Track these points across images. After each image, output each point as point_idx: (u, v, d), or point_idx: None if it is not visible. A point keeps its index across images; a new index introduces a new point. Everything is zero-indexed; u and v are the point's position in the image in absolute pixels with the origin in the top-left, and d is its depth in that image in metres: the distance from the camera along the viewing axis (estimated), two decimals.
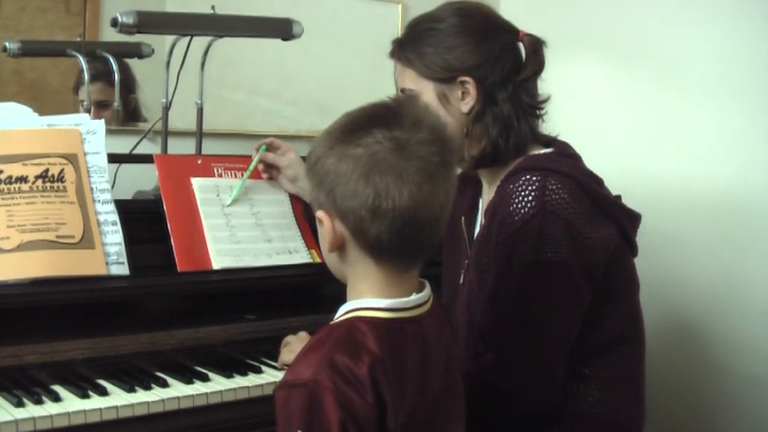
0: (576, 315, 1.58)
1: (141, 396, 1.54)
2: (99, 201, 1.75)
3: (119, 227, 1.75)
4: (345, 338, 1.17)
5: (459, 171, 1.53)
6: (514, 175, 1.60)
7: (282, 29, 2.15)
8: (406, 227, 1.18)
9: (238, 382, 1.66)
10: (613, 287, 1.62)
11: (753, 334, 2.37)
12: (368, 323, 1.19)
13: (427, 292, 1.29)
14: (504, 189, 1.59)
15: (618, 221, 1.63)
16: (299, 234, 2.00)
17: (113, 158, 1.86)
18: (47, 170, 1.72)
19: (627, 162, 2.57)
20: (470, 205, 1.81)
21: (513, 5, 2.81)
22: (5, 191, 1.67)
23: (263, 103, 2.56)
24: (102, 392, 1.53)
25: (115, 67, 2.08)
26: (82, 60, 2.03)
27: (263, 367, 1.74)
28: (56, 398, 1.49)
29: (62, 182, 1.72)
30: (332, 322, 1.24)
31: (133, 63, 2.27)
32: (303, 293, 1.95)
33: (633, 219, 1.68)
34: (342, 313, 1.24)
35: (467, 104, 1.66)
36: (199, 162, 1.97)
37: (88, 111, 2.03)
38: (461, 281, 1.73)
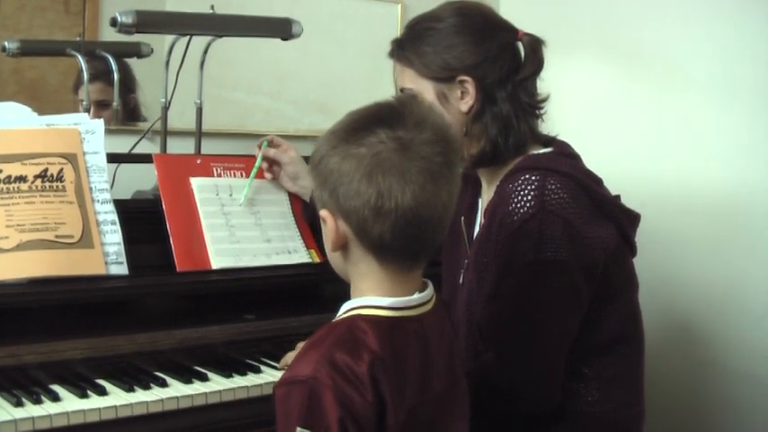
0: (575, 314, 1.58)
1: (140, 396, 1.54)
2: (98, 200, 1.75)
3: (118, 226, 1.75)
4: (346, 336, 1.17)
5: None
6: (514, 174, 1.60)
7: (282, 28, 2.15)
8: (408, 227, 1.18)
9: (237, 381, 1.66)
10: (612, 287, 1.62)
11: (752, 334, 2.36)
12: (369, 321, 1.19)
13: (430, 291, 1.29)
14: (504, 188, 1.59)
15: (617, 221, 1.63)
16: (299, 234, 2.00)
17: (112, 158, 1.86)
18: (46, 170, 1.72)
19: (626, 162, 2.56)
20: (470, 205, 1.81)
21: (512, 5, 2.81)
22: (4, 190, 1.67)
23: (263, 102, 2.56)
24: (101, 392, 1.53)
25: (114, 66, 2.09)
26: (81, 60, 2.03)
27: (263, 367, 1.74)
28: (55, 397, 1.49)
29: (61, 181, 1.72)
30: (333, 320, 1.24)
31: (132, 63, 2.27)
32: (302, 293, 1.95)
33: (632, 219, 1.68)
34: (343, 311, 1.23)
35: (466, 104, 1.66)
36: (198, 162, 1.97)
37: (87, 110, 2.03)
38: (461, 280, 1.73)
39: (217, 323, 1.79)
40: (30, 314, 1.60)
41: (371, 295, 1.23)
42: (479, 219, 1.76)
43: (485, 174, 1.76)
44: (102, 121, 1.83)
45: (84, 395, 1.51)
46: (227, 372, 1.68)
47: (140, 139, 2.18)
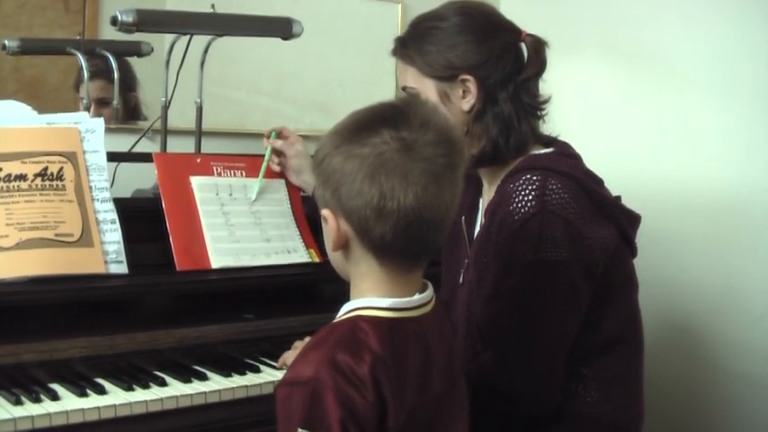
0: (575, 315, 1.58)
1: (139, 395, 1.54)
2: (98, 199, 1.75)
3: (117, 225, 1.74)
4: (347, 337, 1.17)
5: None
6: (515, 174, 1.60)
7: (282, 28, 2.15)
8: (410, 227, 1.18)
9: (237, 381, 1.66)
10: (612, 288, 1.62)
11: (751, 335, 2.37)
12: (370, 322, 1.19)
13: (430, 292, 1.29)
14: (505, 188, 1.59)
15: (617, 222, 1.63)
16: (298, 233, 2.00)
17: (112, 157, 1.86)
18: (46, 168, 1.71)
19: (627, 162, 2.56)
20: (471, 205, 1.81)
21: (512, 5, 2.80)
22: (4, 189, 1.67)
23: (263, 101, 2.55)
24: (101, 391, 1.53)
25: (115, 65, 2.08)
26: (81, 59, 2.03)
27: (262, 366, 1.73)
28: (54, 396, 1.49)
29: (61, 180, 1.72)
30: (334, 321, 1.24)
31: (133, 62, 2.27)
32: (302, 293, 1.95)
33: (633, 219, 1.68)
34: (344, 312, 1.23)
35: (468, 103, 1.66)
36: (198, 161, 1.97)
37: (88, 107, 2.03)
38: (461, 280, 1.73)
39: (216, 322, 1.79)
40: (29, 313, 1.60)
41: (371, 296, 1.22)
42: (480, 218, 1.76)
43: (486, 173, 1.76)
44: (102, 119, 1.83)
45: (83, 394, 1.51)
46: (226, 371, 1.68)
47: (140, 138, 2.18)
